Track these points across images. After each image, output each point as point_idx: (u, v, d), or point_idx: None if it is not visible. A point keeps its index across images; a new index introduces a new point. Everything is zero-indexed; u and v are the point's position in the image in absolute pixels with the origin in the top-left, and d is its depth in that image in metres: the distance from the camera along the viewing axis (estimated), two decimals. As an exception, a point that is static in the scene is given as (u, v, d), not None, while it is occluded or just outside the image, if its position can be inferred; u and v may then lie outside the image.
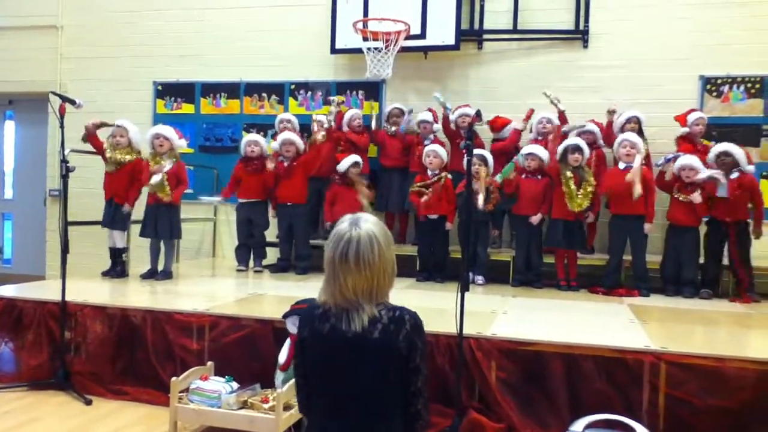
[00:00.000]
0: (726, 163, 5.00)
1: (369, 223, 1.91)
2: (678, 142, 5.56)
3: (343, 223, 1.92)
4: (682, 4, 6.02)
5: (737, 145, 5.08)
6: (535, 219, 5.30)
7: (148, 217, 5.20)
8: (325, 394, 1.95)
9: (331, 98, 6.34)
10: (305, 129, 6.23)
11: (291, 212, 5.77)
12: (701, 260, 5.22)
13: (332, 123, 5.81)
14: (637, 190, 4.85)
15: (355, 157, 5.73)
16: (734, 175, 4.97)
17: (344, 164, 5.69)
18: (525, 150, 5.38)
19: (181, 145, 5.28)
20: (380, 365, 1.89)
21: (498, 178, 5.24)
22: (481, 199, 5.06)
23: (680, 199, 5.09)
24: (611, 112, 5.65)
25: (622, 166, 5.14)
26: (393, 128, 6.17)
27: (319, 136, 5.71)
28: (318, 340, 1.92)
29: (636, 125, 5.53)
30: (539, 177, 5.34)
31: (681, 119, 5.58)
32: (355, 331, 1.86)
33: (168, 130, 5.19)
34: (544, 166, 5.32)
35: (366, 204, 5.60)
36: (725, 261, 5.16)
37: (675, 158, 5.15)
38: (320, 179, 6.07)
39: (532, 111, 5.80)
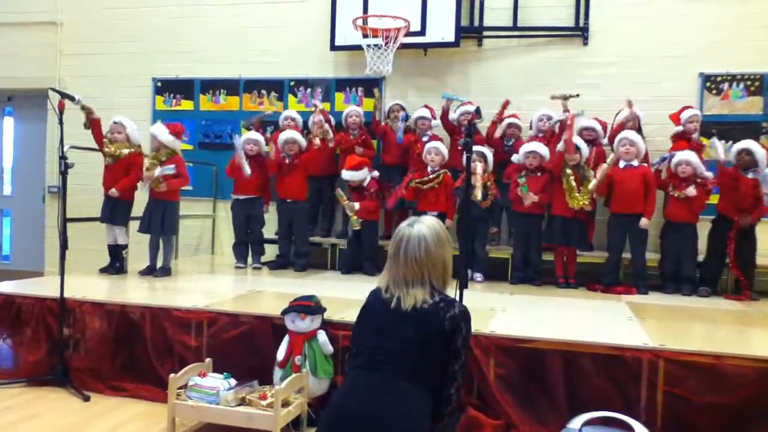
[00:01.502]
0: (745, 161, 4.99)
1: (422, 225, 2.30)
2: (673, 140, 5.56)
3: (404, 222, 2.35)
4: (681, 1, 6.00)
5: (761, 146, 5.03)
6: (532, 196, 5.20)
7: (146, 212, 5.21)
8: (368, 347, 2.26)
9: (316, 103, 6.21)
10: (305, 126, 6.23)
11: (291, 208, 5.77)
12: (700, 257, 5.21)
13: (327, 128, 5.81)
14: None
15: (365, 173, 5.61)
16: (750, 175, 4.96)
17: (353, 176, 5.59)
18: (525, 148, 5.34)
19: (169, 139, 5.14)
20: (420, 331, 2.19)
21: (527, 201, 5.23)
22: (479, 194, 5.05)
23: (676, 195, 5.08)
24: (630, 104, 5.47)
25: (622, 164, 5.14)
26: (394, 124, 6.14)
27: (316, 140, 5.71)
28: (379, 301, 2.32)
29: (635, 122, 5.52)
30: (539, 174, 5.33)
31: (674, 117, 5.57)
32: (406, 307, 2.22)
33: (157, 129, 5.17)
34: (544, 162, 5.31)
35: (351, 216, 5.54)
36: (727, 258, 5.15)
37: (671, 158, 5.14)
38: (319, 178, 6.07)
39: (507, 102, 5.87)
